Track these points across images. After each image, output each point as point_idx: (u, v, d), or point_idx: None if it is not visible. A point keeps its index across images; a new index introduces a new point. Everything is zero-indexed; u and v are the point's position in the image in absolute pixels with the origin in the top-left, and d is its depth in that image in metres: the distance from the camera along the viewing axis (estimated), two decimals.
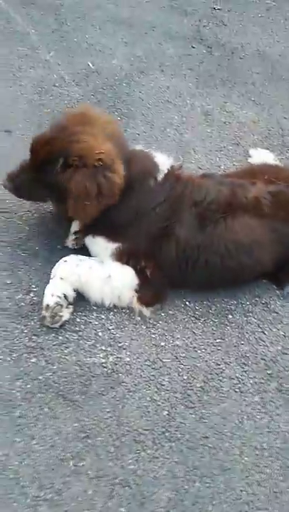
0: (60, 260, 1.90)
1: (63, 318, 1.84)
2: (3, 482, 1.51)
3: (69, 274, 1.86)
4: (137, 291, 1.92)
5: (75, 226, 2.05)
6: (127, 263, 1.91)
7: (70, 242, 2.06)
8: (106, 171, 1.78)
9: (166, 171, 1.99)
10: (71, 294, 1.86)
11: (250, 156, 2.78)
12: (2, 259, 2.02)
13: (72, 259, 1.91)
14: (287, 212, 2.06)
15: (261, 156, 2.74)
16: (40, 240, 2.11)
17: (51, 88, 2.82)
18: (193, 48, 3.44)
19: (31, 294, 1.94)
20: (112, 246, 1.92)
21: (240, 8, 3.95)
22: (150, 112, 2.86)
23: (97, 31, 3.30)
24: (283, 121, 3.08)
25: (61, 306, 1.83)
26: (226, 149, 2.81)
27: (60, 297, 1.82)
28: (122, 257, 1.91)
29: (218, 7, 3.89)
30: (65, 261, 1.90)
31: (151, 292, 1.94)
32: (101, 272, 1.88)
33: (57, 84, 2.85)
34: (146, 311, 1.95)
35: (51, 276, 1.88)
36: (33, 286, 1.96)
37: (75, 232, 2.04)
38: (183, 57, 3.32)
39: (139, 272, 1.90)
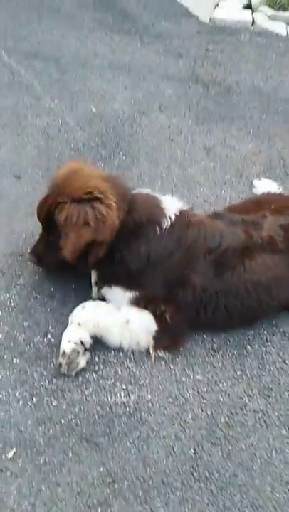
0: (78, 306, 1.91)
1: (80, 366, 1.82)
2: None
3: (87, 320, 1.86)
4: (154, 337, 1.90)
5: (94, 277, 2.05)
6: (145, 308, 1.89)
7: (94, 293, 2.05)
8: (95, 202, 1.79)
9: (173, 217, 1.93)
10: (88, 341, 1.85)
11: (254, 187, 2.83)
12: (18, 302, 2.03)
13: (90, 305, 1.91)
14: None
15: (265, 186, 2.79)
16: (55, 281, 2.13)
17: (57, 134, 2.92)
18: (190, 87, 3.56)
19: (49, 336, 1.94)
20: (129, 295, 1.91)
21: (232, 48, 4.13)
22: (153, 151, 2.94)
23: (97, 78, 3.44)
24: (284, 151, 3.15)
25: (78, 352, 1.81)
26: (230, 181, 2.86)
27: (76, 344, 1.81)
28: (140, 303, 1.90)
29: (211, 48, 4.07)
30: (83, 307, 1.90)
31: (169, 337, 1.92)
32: (119, 318, 1.87)
33: (62, 130, 2.95)
34: (164, 355, 1.94)
35: (69, 321, 1.88)
36: (50, 328, 1.96)
37: (96, 283, 2.04)
38: (181, 96, 3.44)
39: (159, 317, 1.88)
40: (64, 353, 1.79)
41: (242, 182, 2.87)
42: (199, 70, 3.77)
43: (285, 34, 4.46)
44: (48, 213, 1.87)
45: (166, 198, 2.05)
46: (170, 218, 1.93)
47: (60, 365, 1.80)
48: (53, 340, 1.93)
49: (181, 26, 4.25)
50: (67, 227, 1.79)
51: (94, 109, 3.14)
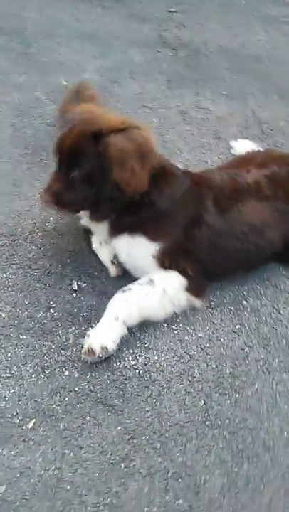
0: (119, 298, 1.87)
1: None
2: (61, 495, 1.53)
3: (131, 314, 1.85)
4: (188, 289, 1.96)
5: (108, 255, 2.06)
6: (170, 266, 1.93)
7: (113, 272, 2.05)
8: (136, 129, 1.81)
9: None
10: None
11: (232, 148, 2.87)
12: (16, 281, 2.04)
13: (131, 296, 1.87)
14: (285, 192, 2.14)
15: (243, 147, 2.83)
16: (49, 257, 2.15)
17: (30, 110, 2.87)
18: (159, 52, 3.53)
19: (51, 311, 1.97)
20: (154, 246, 1.92)
21: (194, 7, 4.09)
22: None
23: (64, 48, 3.37)
24: (258, 110, 3.19)
25: (114, 351, 1.83)
26: (209, 144, 2.89)
27: (118, 344, 1.83)
28: (165, 260, 1.93)
29: (174, 10, 4.01)
30: (127, 300, 1.86)
31: (197, 286, 1.99)
32: (156, 293, 1.89)
33: (35, 105, 2.90)
34: (199, 303, 2.02)
35: (111, 315, 1.84)
36: (52, 302, 1.99)
37: (112, 260, 2.05)
38: (151, 62, 3.41)
39: (182, 273, 1.94)
40: (106, 349, 1.78)
41: (220, 144, 2.91)
42: (165, 33, 3.73)
43: None
44: (76, 147, 1.79)
45: None
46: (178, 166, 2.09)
47: (91, 353, 1.77)
48: (55, 314, 1.96)
49: None
50: (120, 158, 1.75)
51: (64, 82, 3.08)
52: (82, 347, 1.84)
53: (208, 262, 2.03)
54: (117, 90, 3.10)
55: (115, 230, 2.00)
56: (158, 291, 1.91)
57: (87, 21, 3.66)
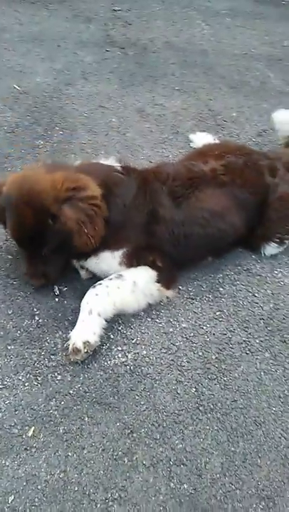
0: (90, 294, 1.91)
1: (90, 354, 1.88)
2: (70, 496, 1.56)
3: (105, 306, 1.90)
4: (158, 281, 2.01)
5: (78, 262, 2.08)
6: (138, 264, 1.99)
7: (84, 275, 2.08)
8: (82, 192, 1.84)
9: (121, 168, 2.09)
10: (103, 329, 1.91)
11: (191, 141, 2.95)
12: None
13: (101, 289, 1.92)
14: (242, 179, 2.24)
15: (201, 139, 2.92)
16: None
17: None
18: (108, 51, 3.55)
19: (36, 318, 1.97)
20: (118, 254, 1.98)
21: (138, 5, 4.13)
22: (88, 120, 2.94)
23: (11, 52, 3.32)
24: (210, 102, 3.29)
25: (97, 343, 1.87)
26: (168, 139, 2.96)
27: (99, 335, 1.86)
28: (131, 260, 1.98)
29: (118, 8, 4.04)
30: (96, 294, 1.91)
31: (168, 276, 2.05)
32: (127, 284, 1.95)
33: None
34: (170, 294, 2.08)
35: (86, 311, 1.88)
36: (35, 309, 2.00)
37: (82, 265, 2.07)
38: (101, 62, 3.43)
39: (152, 266, 2.00)
40: (88, 343, 1.81)
41: (179, 138, 2.98)
42: (112, 32, 3.76)
43: None
44: (36, 230, 1.82)
45: (106, 161, 2.18)
46: (120, 169, 2.08)
47: (78, 353, 1.81)
48: (40, 320, 1.97)
49: None
50: (79, 228, 1.82)
51: (17, 87, 3.05)
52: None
53: (175, 253, 2.10)
54: (71, 92, 3.10)
55: (82, 256, 2.04)
56: (128, 283, 1.97)
57: (32, 24, 3.62)
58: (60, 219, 1.81)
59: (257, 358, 2.00)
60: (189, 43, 3.84)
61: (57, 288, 2.06)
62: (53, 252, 1.86)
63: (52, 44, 3.45)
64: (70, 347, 1.84)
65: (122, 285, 1.96)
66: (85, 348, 1.82)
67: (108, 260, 1.99)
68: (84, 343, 1.82)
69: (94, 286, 1.96)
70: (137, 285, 1.98)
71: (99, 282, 1.98)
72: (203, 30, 4.04)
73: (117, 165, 2.10)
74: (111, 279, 1.98)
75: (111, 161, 2.15)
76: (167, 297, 2.10)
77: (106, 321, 1.93)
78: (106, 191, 1.94)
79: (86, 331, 1.86)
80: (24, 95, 3.00)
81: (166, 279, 2.07)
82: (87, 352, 1.84)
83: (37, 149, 2.68)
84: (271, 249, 2.36)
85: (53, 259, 1.89)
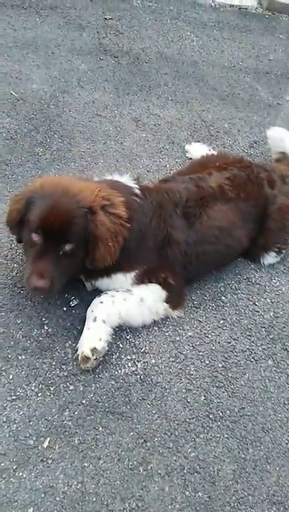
0: (95, 302, 1.93)
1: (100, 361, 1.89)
2: (88, 507, 1.56)
3: (110, 314, 1.91)
4: (167, 301, 2.04)
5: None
6: (149, 281, 2.00)
7: (89, 287, 2.07)
8: (112, 208, 1.85)
9: (139, 191, 2.06)
10: (110, 336, 1.92)
11: (187, 151, 3.00)
12: (4, 301, 2.01)
13: (106, 298, 1.94)
14: (245, 192, 2.30)
15: (197, 150, 2.97)
16: None
17: None
18: (102, 59, 3.57)
19: (45, 327, 1.97)
20: (130, 276, 1.99)
21: (128, 14, 4.16)
22: (86, 129, 2.95)
23: (6, 59, 3.29)
24: (203, 113, 3.35)
25: (105, 349, 1.88)
26: (165, 149, 3.00)
27: (106, 341, 1.87)
28: (143, 279, 2.00)
29: (109, 17, 4.06)
30: (102, 302, 1.92)
31: (177, 296, 2.08)
32: (134, 299, 1.96)
33: None
34: (177, 314, 2.11)
35: (90, 318, 1.90)
36: (44, 319, 1.99)
37: (87, 279, 2.06)
38: (95, 70, 3.44)
39: (163, 283, 2.02)
40: (95, 349, 1.82)
41: (175, 148, 3.03)
42: (104, 40, 3.77)
43: None
44: (70, 223, 1.75)
45: (117, 176, 2.17)
46: (138, 192, 2.06)
47: (88, 360, 1.82)
48: (50, 330, 1.96)
49: None
50: (106, 237, 1.79)
51: (14, 93, 3.03)
52: (83, 370, 1.88)
53: (185, 271, 2.14)
54: (68, 100, 3.10)
55: (93, 276, 2.02)
56: (135, 298, 1.99)
57: (25, 30, 3.60)
58: (96, 220, 1.78)
59: (261, 366, 2.06)
60: (180, 53, 3.89)
61: (74, 300, 2.06)
62: (69, 255, 1.79)
63: (46, 51, 3.44)
64: (80, 356, 1.85)
65: (128, 298, 1.98)
66: (93, 355, 1.83)
67: (120, 282, 2.00)
68: (92, 350, 1.84)
69: (99, 295, 1.97)
70: (144, 301, 2.00)
71: (105, 292, 1.99)
72: (192, 41, 4.10)
73: (134, 186, 2.08)
74: (118, 291, 1.99)
75: (127, 179, 2.13)
76: (176, 316, 2.12)
77: (112, 329, 1.94)
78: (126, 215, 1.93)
79: (92, 338, 1.87)
80: (21, 102, 2.97)
81: (175, 300, 2.10)
82: (96, 359, 1.85)
83: (37, 157, 2.67)
84: (270, 258, 2.43)
85: (64, 264, 1.79)
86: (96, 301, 1.95)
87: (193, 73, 3.74)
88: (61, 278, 1.82)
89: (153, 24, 4.17)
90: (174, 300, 2.07)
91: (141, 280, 2.00)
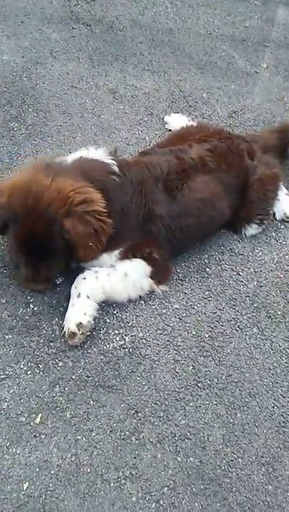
0: (78, 278, 1.93)
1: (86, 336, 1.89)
2: (83, 478, 1.59)
3: (94, 289, 1.90)
4: (152, 277, 2.04)
5: None
6: (134, 256, 2.00)
7: (73, 265, 2.02)
8: (87, 208, 1.78)
9: (117, 167, 2.01)
10: (95, 311, 1.92)
11: (166, 123, 2.95)
12: None
13: (89, 274, 1.93)
14: (226, 163, 2.29)
15: (176, 121, 2.93)
16: None
17: None
18: (74, 28, 3.45)
19: (31, 306, 1.95)
20: (114, 254, 1.98)
21: None
22: (62, 102, 2.87)
23: None
24: (181, 83, 3.29)
25: (90, 323, 1.88)
26: (143, 121, 2.95)
27: (91, 315, 1.88)
28: (128, 255, 1.99)
29: None
30: (84, 278, 1.92)
31: (162, 271, 2.08)
32: (118, 274, 1.96)
33: None
34: (162, 289, 2.10)
35: (74, 294, 1.89)
36: (29, 297, 1.98)
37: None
38: (68, 40, 3.33)
39: (148, 258, 2.01)
40: (81, 324, 1.83)
41: (154, 120, 2.98)
42: (76, 8, 3.63)
43: None
44: (44, 239, 1.76)
45: (93, 150, 2.09)
46: (115, 169, 2.01)
47: (74, 336, 1.83)
48: (35, 308, 1.95)
49: None
50: (85, 241, 1.78)
51: None
52: (71, 346, 1.88)
53: (170, 245, 2.14)
54: (41, 72, 3.00)
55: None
56: (119, 273, 1.98)
57: None
58: (68, 231, 1.75)
59: (246, 334, 2.10)
60: (155, 21, 3.79)
61: (60, 278, 2.04)
62: (55, 259, 1.82)
63: (15, 20, 3.30)
64: (66, 333, 1.85)
65: (112, 273, 1.97)
66: (79, 329, 1.84)
67: (105, 260, 1.99)
68: (77, 325, 1.84)
69: (82, 272, 1.96)
70: (128, 277, 2.00)
71: (88, 269, 1.98)
72: (167, 8, 3.99)
73: (111, 162, 2.01)
74: (102, 267, 1.98)
75: (103, 154, 2.05)
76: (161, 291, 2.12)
77: (97, 304, 1.94)
78: (104, 196, 1.88)
79: (77, 313, 1.87)
80: None
81: (160, 275, 2.10)
82: (82, 334, 1.85)
83: (12, 132, 2.59)
84: (252, 229, 2.45)
85: (55, 265, 1.85)
86: (79, 277, 1.95)
87: (168, 41, 3.64)
88: (54, 272, 1.94)
89: None
90: (159, 275, 2.07)
91: (125, 256, 2.00)
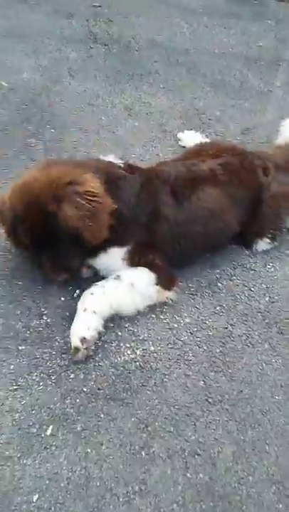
0: (86, 294, 1.94)
1: (91, 351, 1.90)
2: (92, 492, 1.59)
3: (101, 305, 1.92)
4: (158, 283, 2.05)
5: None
6: (139, 262, 2.02)
7: (85, 273, 2.10)
8: (76, 189, 1.81)
9: (123, 165, 2.11)
10: (101, 326, 1.93)
11: (180, 140, 3.00)
12: (3, 293, 2.02)
13: (96, 289, 1.94)
14: (238, 178, 2.32)
15: (190, 138, 2.98)
16: (30, 264, 2.13)
17: None
18: (92, 48, 3.55)
19: (44, 318, 1.98)
20: (123, 250, 2.01)
21: (118, 1, 4.13)
22: (78, 118, 2.94)
23: None
24: (195, 101, 3.35)
25: (94, 338, 1.89)
26: (157, 138, 3.00)
27: (96, 330, 1.88)
28: (134, 257, 2.02)
29: (98, 4, 4.03)
30: (92, 293, 1.93)
31: (167, 277, 2.09)
32: (124, 287, 1.97)
33: None
34: (171, 295, 2.12)
35: (81, 309, 1.90)
36: (43, 309, 2.00)
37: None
38: (86, 59, 3.42)
39: (151, 265, 2.03)
40: (84, 339, 1.83)
41: (167, 136, 3.03)
42: (94, 28, 3.75)
43: None
44: (45, 232, 1.81)
45: (109, 157, 2.18)
46: (122, 165, 2.10)
47: (78, 351, 1.83)
48: (49, 320, 1.98)
49: None
50: (82, 223, 1.80)
51: (4, 83, 3.00)
52: (84, 359, 1.89)
53: (174, 252, 2.15)
54: (59, 89, 3.09)
55: (92, 254, 2.03)
56: (125, 285, 1.99)
57: (13, 18, 3.56)
58: (61, 218, 1.79)
59: (258, 350, 2.10)
60: (171, 41, 3.88)
61: (77, 291, 2.08)
62: (68, 247, 1.85)
63: (36, 40, 3.41)
64: (71, 347, 1.85)
65: (119, 286, 1.98)
66: (83, 344, 1.84)
67: (116, 255, 2.01)
68: (81, 340, 1.84)
69: (90, 287, 1.98)
70: (134, 286, 2.01)
71: (95, 284, 1.99)
72: (183, 28, 4.09)
73: (119, 162, 2.12)
74: (108, 280, 2.00)
75: (111, 158, 2.16)
76: (169, 298, 2.13)
77: (103, 319, 1.95)
78: (112, 186, 1.94)
79: (80, 328, 1.87)
80: (12, 92, 2.95)
81: (166, 281, 2.11)
82: (86, 349, 1.85)
83: (30, 148, 2.66)
84: (264, 245, 2.46)
85: (70, 253, 1.88)
86: (86, 293, 1.96)
87: (184, 61, 3.72)
88: (74, 262, 1.98)
89: (142, 11, 4.15)
90: (164, 281, 2.08)
91: (131, 258, 2.02)
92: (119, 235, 1.96)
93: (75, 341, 1.85)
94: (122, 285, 1.99)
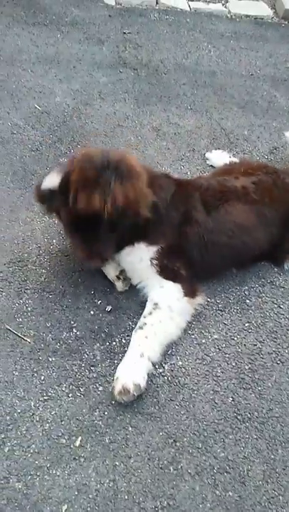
0: (140, 336, 1.93)
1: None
2: (120, 505, 1.59)
3: (155, 349, 1.93)
4: (185, 294, 2.06)
5: (114, 272, 2.16)
6: (166, 267, 2.05)
7: (120, 287, 2.14)
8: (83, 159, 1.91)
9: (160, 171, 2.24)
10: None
11: (208, 159, 3.04)
12: (33, 305, 2.07)
13: (148, 329, 1.94)
14: (270, 197, 2.33)
15: (217, 157, 3.02)
16: (60, 278, 2.19)
17: (11, 136, 2.89)
18: (121, 72, 3.66)
19: (74, 330, 2.02)
20: (152, 249, 2.05)
21: (146, 28, 4.26)
22: (108, 139, 3.03)
23: (30, 74, 3.41)
24: (222, 121, 3.40)
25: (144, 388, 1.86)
26: (185, 157, 3.05)
27: (146, 380, 1.87)
28: (163, 260, 2.04)
29: (128, 31, 4.17)
30: (146, 337, 1.93)
31: (190, 285, 2.11)
32: (165, 313, 1.99)
33: (14, 131, 2.92)
34: (200, 301, 2.15)
35: (137, 353, 1.89)
36: (72, 322, 2.04)
37: (118, 276, 2.15)
38: (116, 83, 3.53)
39: (176, 275, 2.06)
40: (139, 386, 1.80)
41: (195, 156, 3.08)
42: (124, 54, 3.87)
43: (189, 9, 4.68)
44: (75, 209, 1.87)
45: None
46: (160, 171, 2.24)
47: (128, 393, 1.78)
48: (78, 333, 2.01)
49: (91, 12, 4.28)
50: (79, 185, 1.86)
51: (38, 106, 3.13)
52: (110, 361, 1.90)
53: (201, 260, 2.17)
54: (90, 112, 3.19)
55: (120, 246, 2.08)
56: (165, 311, 2.00)
57: (47, 46, 3.72)
58: (71, 184, 1.87)
59: (288, 368, 2.07)
60: (198, 64, 3.97)
61: (109, 306, 2.12)
62: (106, 230, 1.90)
63: (68, 65, 3.55)
64: (119, 386, 1.79)
65: (162, 315, 1.99)
66: (135, 390, 1.79)
67: (142, 252, 2.05)
68: (135, 385, 1.79)
69: (141, 327, 1.96)
70: (172, 309, 2.02)
71: (143, 321, 1.97)
72: (210, 52, 4.18)
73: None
74: (151, 313, 1.99)
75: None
76: (199, 304, 2.16)
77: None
78: (152, 185, 2.01)
79: (137, 373, 1.84)
80: (45, 115, 3.07)
81: (191, 289, 2.12)
82: (135, 395, 1.80)
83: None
84: None
85: (106, 239, 1.93)
86: (140, 335, 1.94)
87: (211, 83, 3.80)
88: (108, 249, 2.03)
89: (171, 36, 4.26)
90: (188, 289, 2.08)
91: (161, 260, 2.04)
92: (151, 232, 2.02)
93: (128, 384, 1.79)
94: (164, 313, 1.99)
